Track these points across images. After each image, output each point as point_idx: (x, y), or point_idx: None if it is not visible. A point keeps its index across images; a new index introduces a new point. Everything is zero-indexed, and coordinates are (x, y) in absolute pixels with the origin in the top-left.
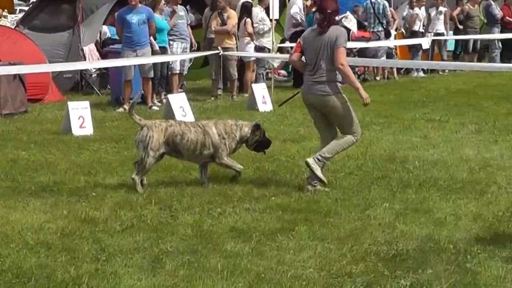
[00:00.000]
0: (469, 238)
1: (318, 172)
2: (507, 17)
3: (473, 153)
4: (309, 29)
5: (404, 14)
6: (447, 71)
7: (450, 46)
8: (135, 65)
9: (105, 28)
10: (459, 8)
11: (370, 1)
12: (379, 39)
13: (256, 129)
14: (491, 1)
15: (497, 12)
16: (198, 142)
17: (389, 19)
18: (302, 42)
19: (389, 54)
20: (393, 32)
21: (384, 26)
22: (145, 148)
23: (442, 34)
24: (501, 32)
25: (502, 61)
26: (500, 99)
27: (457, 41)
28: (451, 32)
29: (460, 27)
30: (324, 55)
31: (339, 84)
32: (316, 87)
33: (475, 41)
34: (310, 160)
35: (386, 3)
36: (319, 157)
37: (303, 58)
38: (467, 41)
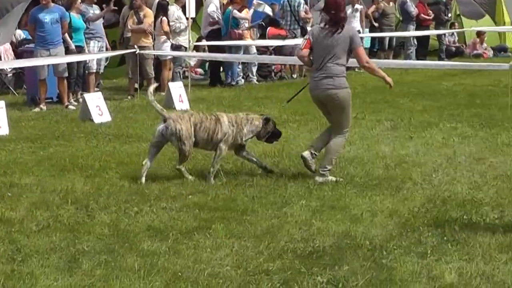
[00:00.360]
0: (385, 234)
1: (333, 179)
2: (422, 15)
3: (388, 150)
4: (317, 27)
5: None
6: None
7: (366, 44)
8: (48, 64)
9: (19, 31)
10: (374, 6)
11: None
12: (295, 37)
13: (267, 122)
14: None
15: (413, 9)
16: (211, 129)
17: (304, 17)
18: (311, 39)
19: None
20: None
21: (300, 24)
22: (179, 140)
23: (358, 32)
24: (416, 29)
25: (417, 58)
26: (416, 96)
27: (373, 38)
28: (367, 29)
29: (376, 24)
30: (335, 53)
31: (345, 78)
32: (324, 81)
33: (390, 38)
34: (318, 179)
35: (302, 1)
36: (323, 171)
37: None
38: (383, 38)
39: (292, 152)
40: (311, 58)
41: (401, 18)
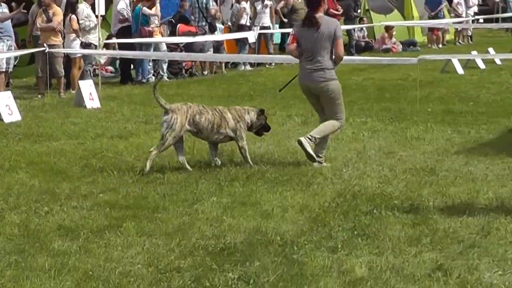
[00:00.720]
0: (295, 230)
1: (309, 149)
2: (331, 10)
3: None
4: (299, 22)
5: (230, 8)
6: (273, 64)
7: (277, 40)
8: None
9: None
10: (283, 2)
11: None
12: (205, 33)
13: (261, 114)
14: None
15: None
16: (215, 123)
17: (213, 13)
18: (296, 34)
19: (217, 48)
20: (220, 26)
21: (208, 20)
22: (168, 127)
23: (268, 28)
24: None
25: None
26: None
27: (283, 34)
28: (277, 25)
29: (285, 20)
30: (323, 45)
31: (333, 71)
32: (316, 74)
33: None
34: (303, 139)
35: None
36: (310, 137)
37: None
38: None
39: (204, 148)
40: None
41: None
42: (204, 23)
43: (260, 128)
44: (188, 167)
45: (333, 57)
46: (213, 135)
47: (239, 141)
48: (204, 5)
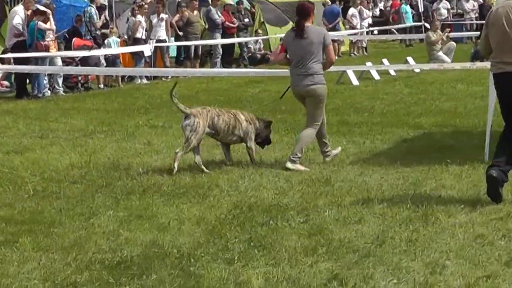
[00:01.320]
0: (192, 242)
1: (301, 168)
2: (227, 22)
3: (190, 158)
4: (289, 32)
5: (126, 22)
6: (170, 77)
7: (173, 53)
8: None
9: None
10: (178, 15)
11: (84, 10)
12: (99, 47)
13: (268, 126)
14: (211, 7)
15: (217, 17)
16: (230, 124)
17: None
18: (285, 44)
19: (113, 61)
20: (115, 40)
21: (93, 34)
22: (192, 131)
23: (164, 41)
24: (222, 37)
25: (223, 66)
26: (222, 103)
27: (179, 47)
28: (173, 38)
29: (181, 33)
30: (313, 53)
31: (322, 76)
32: (306, 79)
33: (196, 47)
34: (289, 165)
35: (94, 12)
36: (293, 158)
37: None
38: (189, 47)
39: (99, 162)
40: (287, 57)
41: (206, 26)
42: (89, 37)
43: (264, 140)
44: (204, 168)
45: (324, 61)
46: (228, 136)
47: (248, 142)
48: (88, 19)
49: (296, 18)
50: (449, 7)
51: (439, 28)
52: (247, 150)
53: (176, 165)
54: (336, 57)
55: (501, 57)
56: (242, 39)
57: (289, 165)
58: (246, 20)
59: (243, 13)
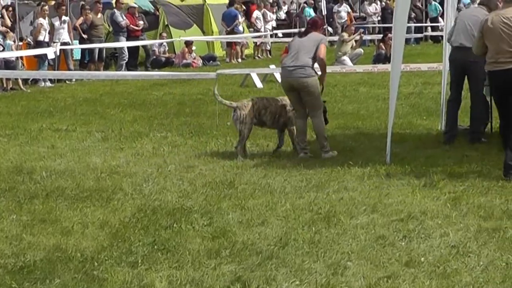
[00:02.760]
0: (96, 246)
1: (334, 154)
2: (131, 25)
3: (100, 161)
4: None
5: (30, 24)
6: (74, 80)
7: (77, 55)
8: None
9: None
10: (82, 18)
11: None
12: (3, 50)
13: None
14: (115, 10)
15: (122, 19)
16: (277, 113)
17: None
18: (289, 44)
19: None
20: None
21: None
22: (241, 123)
23: (67, 44)
24: (127, 40)
25: (127, 69)
26: (126, 106)
27: (83, 50)
28: (77, 41)
29: (85, 36)
30: (307, 47)
31: (314, 69)
32: (297, 71)
33: (101, 49)
34: (325, 156)
35: None
36: (325, 150)
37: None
38: (93, 50)
39: (2, 166)
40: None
41: (111, 29)
42: None
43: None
44: (241, 156)
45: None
46: (274, 125)
47: (290, 126)
48: None
49: (307, 27)
50: (349, 10)
51: (353, 32)
52: (289, 133)
53: (241, 156)
54: (240, 60)
55: (496, 58)
56: (146, 42)
57: (325, 155)
58: (141, 22)
59: (137, 15)
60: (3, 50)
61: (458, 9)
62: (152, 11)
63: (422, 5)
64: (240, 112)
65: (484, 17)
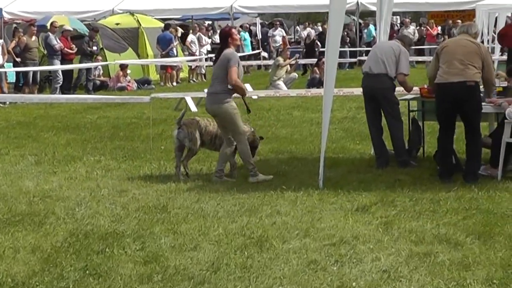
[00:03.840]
0: (27, 271)
1: (264, 177)
2: (65, 49)
3: (32, 185)
4: None
5: None
6: (8, 103)
7: (11, 78)
8: None
9: None
10: (14, 41)
11: None
12: None
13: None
14: (49, 33)
15: (56, 43)
16: (214, 134)
17: None
18: None
19: None
20: None
21: None
22: (190, 141)
23: (1, 66)
24: (62, 63)
25: (62, 92)
26: (60, 130)
27: (17, 73)
28: (11, 64)
29: (18, 59)
30: (217, 73)
31: (228, 95)
32: (210, 97)
33: (35, 72)
34: (251, 180)
35: None
36: (251, 172)
37: None
38: (27, 73)
39: None
40: None
41: (45, 52)
42: None
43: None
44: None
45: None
46: (211, 146)
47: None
48: None
49: (220, 44)
50: (284, 34)
51: (288, 56)
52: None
53: (182, 176)
54: (175, 83)
55: (447, 71)
56: (80, 65)
57: (251, 179)
58: (95, 48)
59: (93, 40)
60: None
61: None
62: (87, 34)
63: (356, 29)
64: (188, 129)
65: (397, 48)
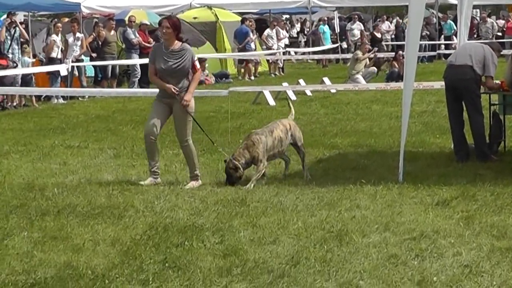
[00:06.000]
0: (107, 263)
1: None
2: (143, 42)
3: (111, 178)
4: None
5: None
6: (87, 97)
7: (90, 72)
8: None
9: None
10: (93, 35)
11: (7, 27)
12: (17, 66)
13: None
14: (127, 27)
15: (133, 37)
16: None
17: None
18: None
19: (27, 81)
20: (27, 60)
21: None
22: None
23: (81, 60)
24: (140, 57)
25: (140, 86)
26: (138, 123)
27: (96, 67)
28: (88, 58)
29: (94, 54)
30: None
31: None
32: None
33: (113, 66)
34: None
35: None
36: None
37: None
38: (105, 66)
39: (14, 182)
40: None
41: (123, 46)
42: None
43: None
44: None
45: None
46: None
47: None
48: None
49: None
50: (362, 28)
51: (367, 51)
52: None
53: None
54: (252, 77)
55: None
56: None
57: (187, 185)
58: None
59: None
60: (16, 66)
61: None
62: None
63: (437, 23)
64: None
65: (487, 49)
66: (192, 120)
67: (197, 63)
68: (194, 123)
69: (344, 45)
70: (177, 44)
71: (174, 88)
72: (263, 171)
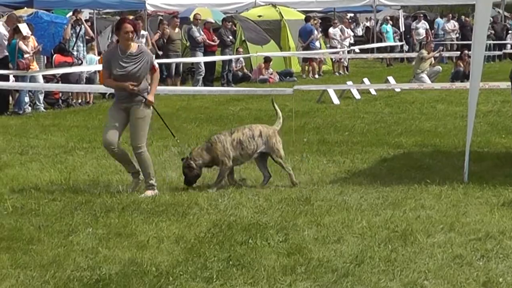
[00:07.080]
0: (171, 260)
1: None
2: (208, 40)
3: (176, 176)
4: None
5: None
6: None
7: None
8: None
9: None
10: (158, 33)
11: (72, 24)
12: (81, 64)
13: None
14: (192, 25)
15: (198, 35)
16: None
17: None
18: None
19: (90, 78)
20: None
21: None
22: None
23: None
24: (204, 55)
25: (204, 84)
26: (202, 121)
27: (160, 64)
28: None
29: (160, 52)
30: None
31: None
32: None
33: (178, 64)
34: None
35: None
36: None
37: None
38: (170, 64)
39: (79, 179)
40: None
41: (188, 44)
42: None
43: None
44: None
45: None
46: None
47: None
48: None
49: None
50: (427, 27)
51: (432, 49)
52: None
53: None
54: (316, 76)
55: None
56: (222, 57)
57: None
58: (231, 37)
59: (229, 27)
60: (81, 64)
61: None
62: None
63: (502, 22)
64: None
65: None
66: (148, 127)
67: (155, 63)
68: (149, 130)
69: (405, 47)
70: (134, 47)
71: (131, 84)
72: (226, 172)
